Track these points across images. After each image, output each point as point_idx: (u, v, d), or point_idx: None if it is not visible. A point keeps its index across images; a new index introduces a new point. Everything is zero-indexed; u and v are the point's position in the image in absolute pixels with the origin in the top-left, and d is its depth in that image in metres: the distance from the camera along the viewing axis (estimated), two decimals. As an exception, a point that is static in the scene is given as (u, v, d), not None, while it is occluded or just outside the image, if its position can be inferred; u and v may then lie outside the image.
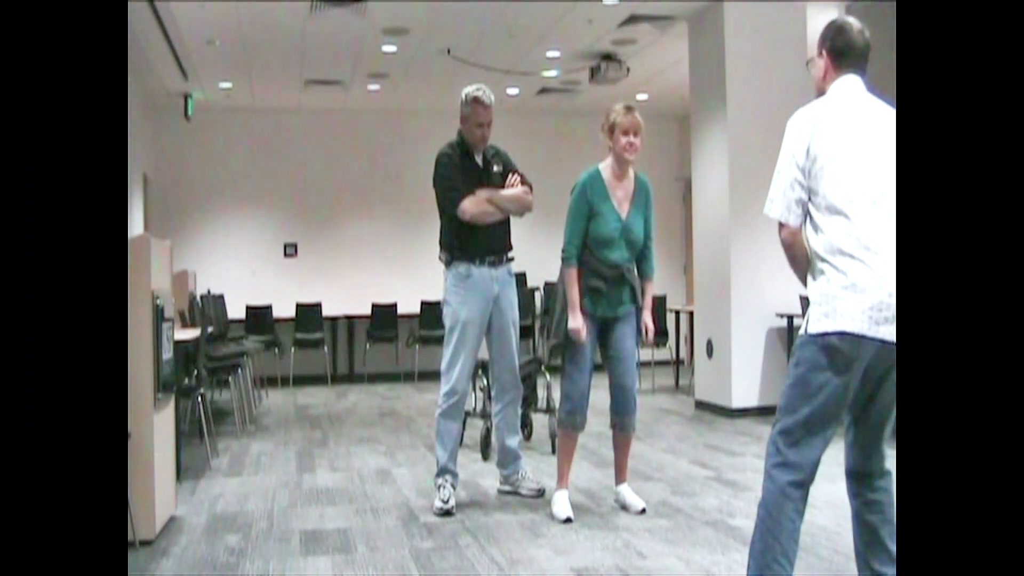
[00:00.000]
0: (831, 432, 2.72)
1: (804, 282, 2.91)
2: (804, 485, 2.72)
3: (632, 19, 8.20)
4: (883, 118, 2.79)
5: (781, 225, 2.78)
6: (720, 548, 3.93)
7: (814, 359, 2.67)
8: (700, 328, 8.33)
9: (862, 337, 2.61)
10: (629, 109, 4.45)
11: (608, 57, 9.44)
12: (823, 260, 2.69)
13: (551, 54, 9.40)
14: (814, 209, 2.72)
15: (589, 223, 4.40)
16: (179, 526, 4.47)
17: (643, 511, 4.51)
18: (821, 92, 2.89)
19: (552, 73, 10.11)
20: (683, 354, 10.64)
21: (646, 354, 9.98)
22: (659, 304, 10.06)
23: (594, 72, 9.64)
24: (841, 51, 2.85)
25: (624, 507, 4.58)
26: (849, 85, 2.83)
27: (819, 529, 4.10)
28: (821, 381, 2.66)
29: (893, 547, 2.72)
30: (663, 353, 10.14)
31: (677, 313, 10.38)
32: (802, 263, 2.83)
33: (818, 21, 8.15)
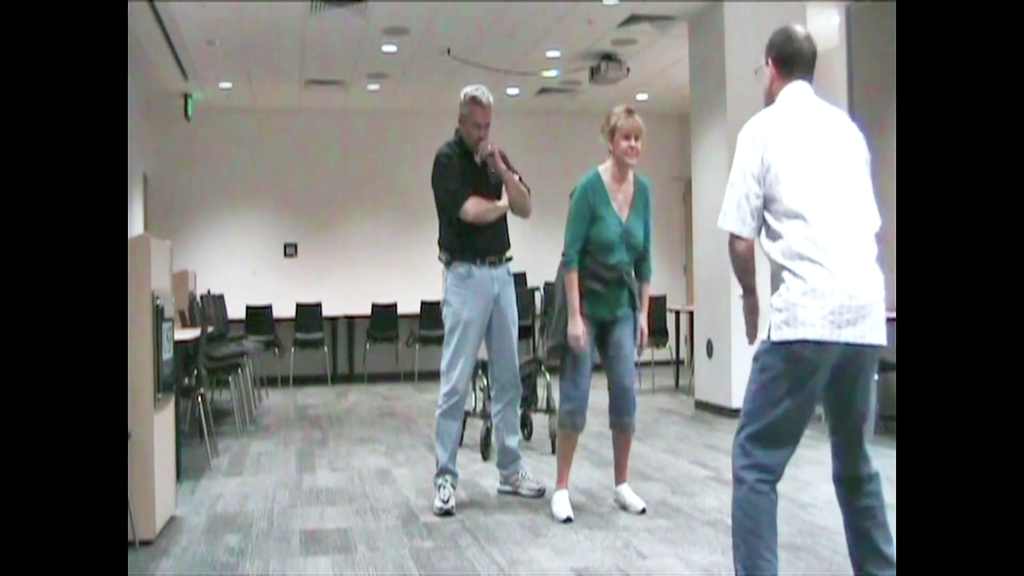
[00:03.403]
0: (799, 434, 2.73)
1: (751, 291, 2.91)
2: (774, 482, 2.73)
3: (632, 19, 8.20)
4: (834, 121, 2.80)
5: (735, 237, 2.76)
6: (720, 548, 3.93)
7: (778, 367, 2.67)
8: (700, 328, 8.33)
9: (824, 343, 2.60)
10: (630, 112, 4.42)
11: (608, 57, 9.44)
12: (782, 267, 2.67)
13: (551, 54, 9.40)
14: (772, 217, 2.71)
15: (590, 227, 4.38)
16: (179, 526, 4.47)
17: (643, 511, 4.50)
18: (771, 100, 2.88)
19: (552, 73, 10.11)
20: (683, 354, 10.64)
21: (646, 354, 10.02)
22: (659, 304, 10.06)
23: (594, 72, 9.64)
24: (788, 59, 2.85)
25: (624, 507, 4.58)
26: (798, 91, 2.83)
27: (819, 529, 4.10)
28: (786, 388, 2.66)
29: (887, 550, 2.71)
30: (663, 353, 10.14)
31: (677, 313, 10.38)
32: (752, 273, 2.84)
33: (818, 21, 8.17)
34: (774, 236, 2.71)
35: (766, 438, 2.70)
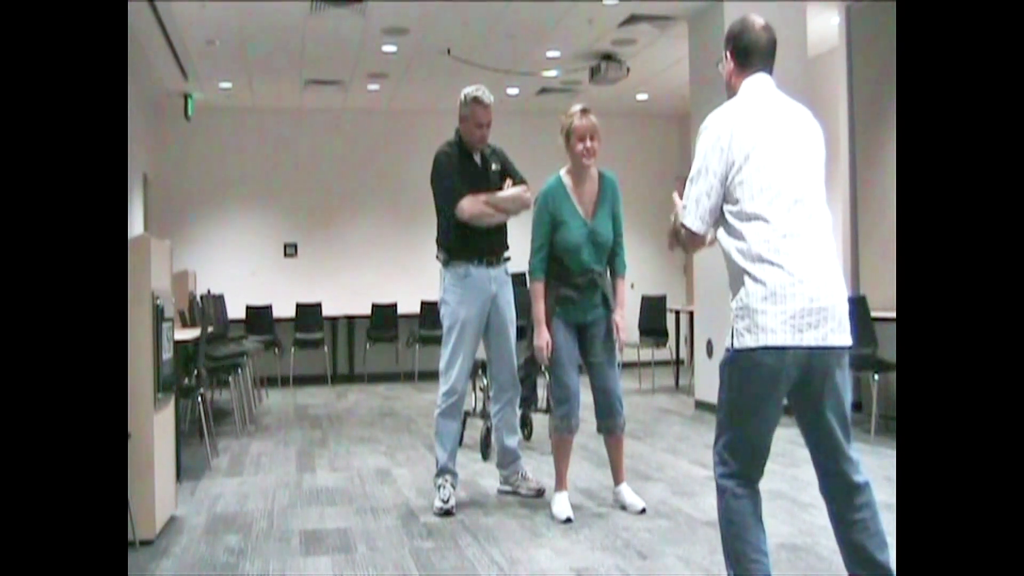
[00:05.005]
0: (772, 435, 2.71)
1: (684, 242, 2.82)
2: (755, 483, 2.72)
3: (632, 19, 8.20)
4: (797, 116, 2.76)
5: (691, 233, 2.73)
6: (720, 548, 3.92)
7: (742, 376, 2.64)
8: (700, 328, 8.33)
9: (786, 348, 2.56)
10: (584, 112, 4.41)
11: (608, 57, 9.44)
12: (743, 270, 2.62)
13: (551, 54, 9.40)
14: (733, 217, 2.66)
15: (554, 233, 4.39)
16: (179, 526, 4.47)
17: (643, 511, 4.50)
18: (732, 93, 2.83)
19: (552, 73, 10.11)
20: (683, 354, 10.64)
21: (645, 354, 10.05)
22: (659, 304, 10.07)
23: (594, 72, 9.64)
24: (745, 50, 2.79)
25: (624, 507, 4.57)
26: (758, 84, 2.78)
27: (819, 529, 4.10)
28: (752, 397, 2.65)
29: (882, 557, 2.69)
30: (663, 353, 10.14)
31: (677, 313, 10.38)
32: (692, 252, 2.86)
33: (818, 21, 8.17)
34: (735, 235, 2.66)
35: (739, 447, 2.70)
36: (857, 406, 6.68)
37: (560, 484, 4.53)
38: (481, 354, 4.93)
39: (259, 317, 10.61)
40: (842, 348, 2.64)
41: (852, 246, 8.01)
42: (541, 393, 6.67)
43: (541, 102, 11.44)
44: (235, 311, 10.33)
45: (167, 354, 4.44)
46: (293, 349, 10.79)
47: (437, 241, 4.85)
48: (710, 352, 8.04)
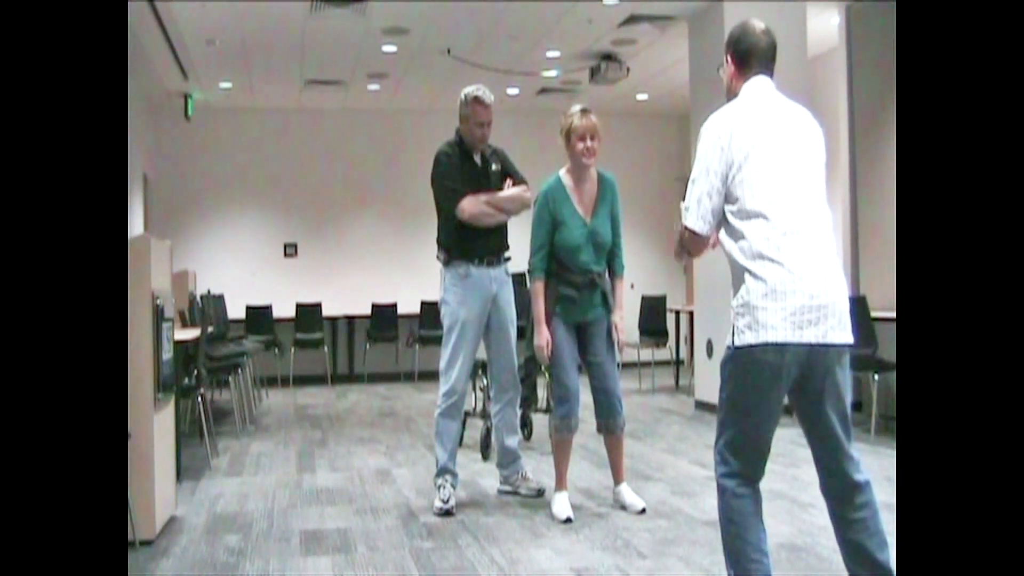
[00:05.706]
0: (773, 434, 2.72)
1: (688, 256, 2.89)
2: (755, 483, 2.72)
3: (632, 19, 8.20)
4: (796, 117, 2.78)
5: (693, 233, 2.74)
6: (720, 548, 3.92)
7: (743, 373, 2.65)
8: (700, 328, 8.33)
9: (786, 344, 2.57)
10: (584, 112, 4.42)
11: (608, 57, 9.44)
12: (743, 268, 2.64)
13: (551, 54, 9.40)
14: (734, 217, 2.67)
15: (554, 233, 4.40)
16: (179, 526, 4.47)
17: (643, 511, 4.50)
18: (732, 95, 2.86)
19: (552, 73, 10.11)
20: (683, 354, 10.64)
21: (646, 354, 10.06)
22: (659, 304, 10.07)
23: (594, 72, 9.64)
24: (745, 54, 2.82)
25: (624, 507, 4.58)
26: (758, 87, 2.80)
27: (819, 529, 4.10)
28: (753, 395, 2.65)
29: (882, 556, 2.69)
30: (663, 353, 10.14)
31: (677, 313, 10.38)
32: (696, 256, 2.87)
33: (818, 21, 8.17)
34: (735, 235, 2.67)
35: (740, 445, 2.70)
36: (857, 406, 6.68)
37: (560, 484, 4.54)
38: (481, 354, 4.93)
39: (259, 317, 10.61)
40: (842, 346, 2.64)
41: (852, 246, 8.00)
42: (541, 393, 6.68)
43: (541, 102, 11.44)
44: (235, 311, 10.33)
45: (167, 354, 4.44)
46: (293, 349, 10.79)
47: (437, 241, 4.85)
48: (710, 352, 8.04)
